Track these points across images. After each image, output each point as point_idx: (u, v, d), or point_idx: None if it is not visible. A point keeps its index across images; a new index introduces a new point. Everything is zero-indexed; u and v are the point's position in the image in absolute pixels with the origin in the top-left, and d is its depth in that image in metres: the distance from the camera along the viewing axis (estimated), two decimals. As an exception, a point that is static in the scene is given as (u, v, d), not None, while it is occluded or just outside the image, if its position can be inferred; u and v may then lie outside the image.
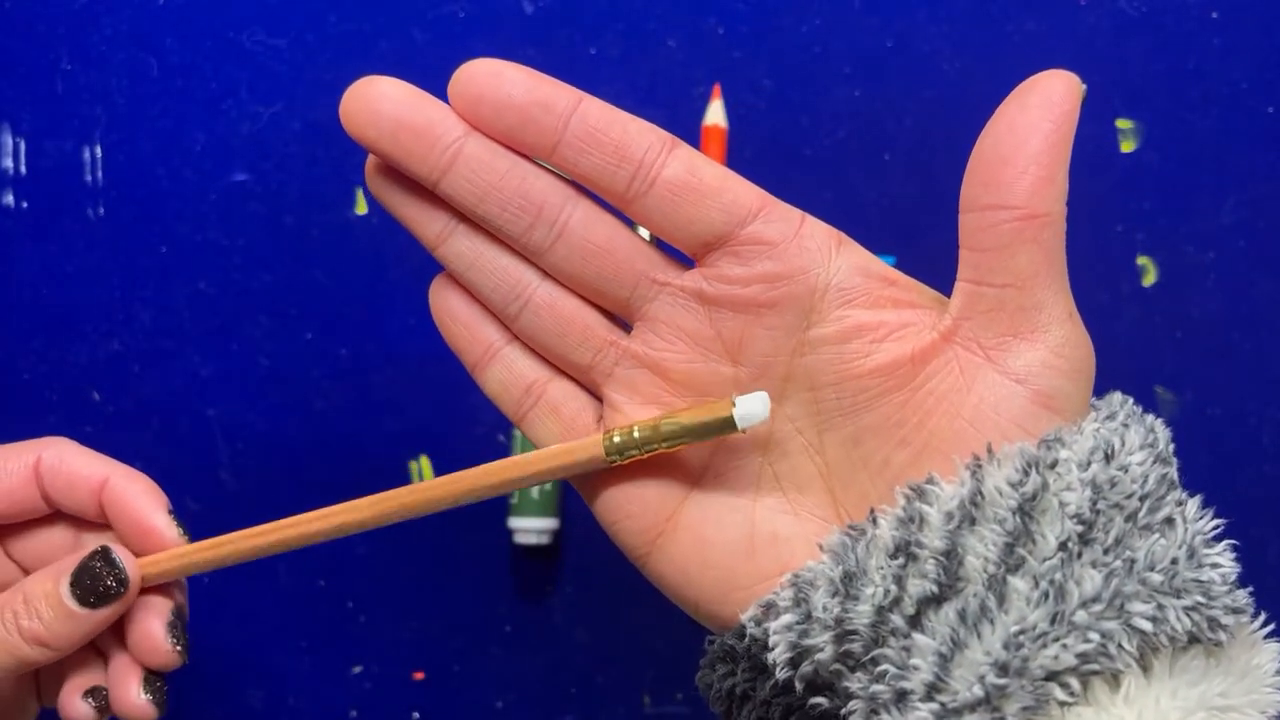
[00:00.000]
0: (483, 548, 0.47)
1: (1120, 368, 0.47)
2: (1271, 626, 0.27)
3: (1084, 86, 0.28)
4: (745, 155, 0.47)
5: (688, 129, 0.47)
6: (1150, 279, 0.47)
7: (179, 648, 0.32)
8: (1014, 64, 0.47)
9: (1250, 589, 0.27)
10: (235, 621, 0.47)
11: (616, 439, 0.29)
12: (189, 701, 0.47)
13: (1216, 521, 0.27)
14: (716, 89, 0.46)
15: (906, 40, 0.47)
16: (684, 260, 0.30)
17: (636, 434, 0.29)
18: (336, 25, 0.47)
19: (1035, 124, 0.27)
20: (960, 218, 0.28)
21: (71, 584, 0.31)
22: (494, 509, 0.47)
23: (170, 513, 0.33)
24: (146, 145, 0.47)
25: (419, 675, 0.47)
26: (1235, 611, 0.26)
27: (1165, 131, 0.47)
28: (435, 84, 0.47)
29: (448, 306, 0.31)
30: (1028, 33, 0.47)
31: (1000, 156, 0.27)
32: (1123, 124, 0.47)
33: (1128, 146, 0.47)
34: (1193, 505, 0.27)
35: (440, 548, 0.47)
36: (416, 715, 0.47)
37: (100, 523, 0.34)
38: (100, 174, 0.47)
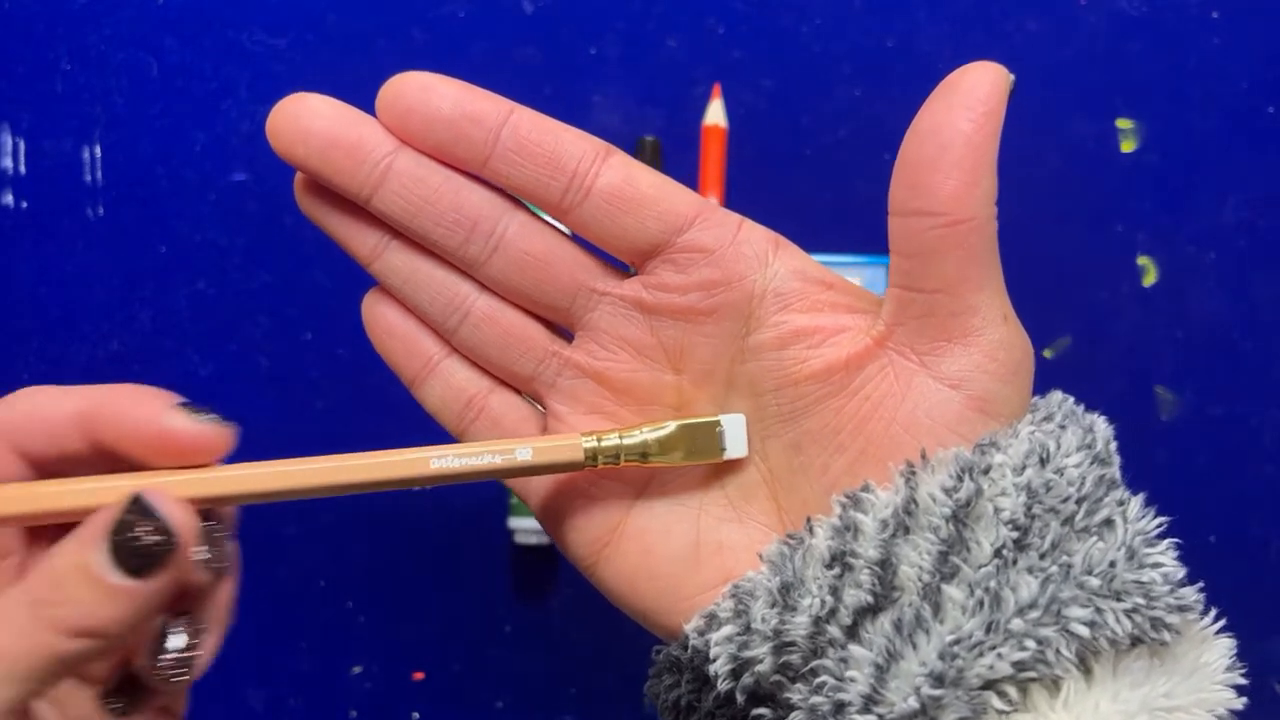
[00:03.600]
0: (483, 548, 0.47)
1: (1120, 368, 0.47)
2: (1223, 622, 0.27)
3: (1012, 77, 0.27)
4: (745, 155, 0.47)
5: (688, 129, 0.47)
6: (1150, 279, 0.47)
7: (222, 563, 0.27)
8: (1014, 64, 0.47)
9: (1199, 585, 0.26)
10: (235, 621, 0.47)
11: (601, 443, 0.29)
12: (189, 702, 0.47)
13: (1159, 520, 0.27)
14: (716, 89, 0.46)
15: (906, 40, 0.47)
16: (627, 269, 0.30)
17: (622, 440, 0.29)
18: (336, 25, 0.47)
19: (957, 125, 0.26)
20: (889, 221, 0.27)
21: (110, 552, 0.25)
22: (494, 509, 0.47)
23: (185, 405, 0.26)
24: (146, 145, 0.47)
25: (419, 675, 0.47)
26: (1181, 610, 0.26)
27: (1165, 131, 0.47)
28: (435, 84, 0.47)
29: (383, 322, 0.31)
30: (1028, 33, 0.47)
31: (923, 159, 0.26)
32: (1123, 124, 0.47)
33: (1128, 146, 0.47)
34: (1135, 504, 0.27)
35: (440, 548, 0.47)
36: (416, 715, 0.47)
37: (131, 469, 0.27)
38: (100, 174, 0.47)
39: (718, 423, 0.29)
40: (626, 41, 0.47)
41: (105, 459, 0.27)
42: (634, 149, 0.46)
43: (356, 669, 0.47)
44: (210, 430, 0.26)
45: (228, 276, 0.47)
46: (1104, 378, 0.47)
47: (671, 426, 0.29)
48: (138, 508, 0.25)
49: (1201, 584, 0.26)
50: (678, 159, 0.46)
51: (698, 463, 0.29)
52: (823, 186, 0.47)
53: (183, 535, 0.25)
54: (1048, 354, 0.47)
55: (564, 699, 0.47)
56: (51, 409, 0.26)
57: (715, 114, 0.46)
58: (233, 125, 0.47)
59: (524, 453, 0.28)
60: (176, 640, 0.27)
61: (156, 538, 0.25)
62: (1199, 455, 0.47)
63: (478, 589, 0.47)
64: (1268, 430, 0.47)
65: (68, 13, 0.46)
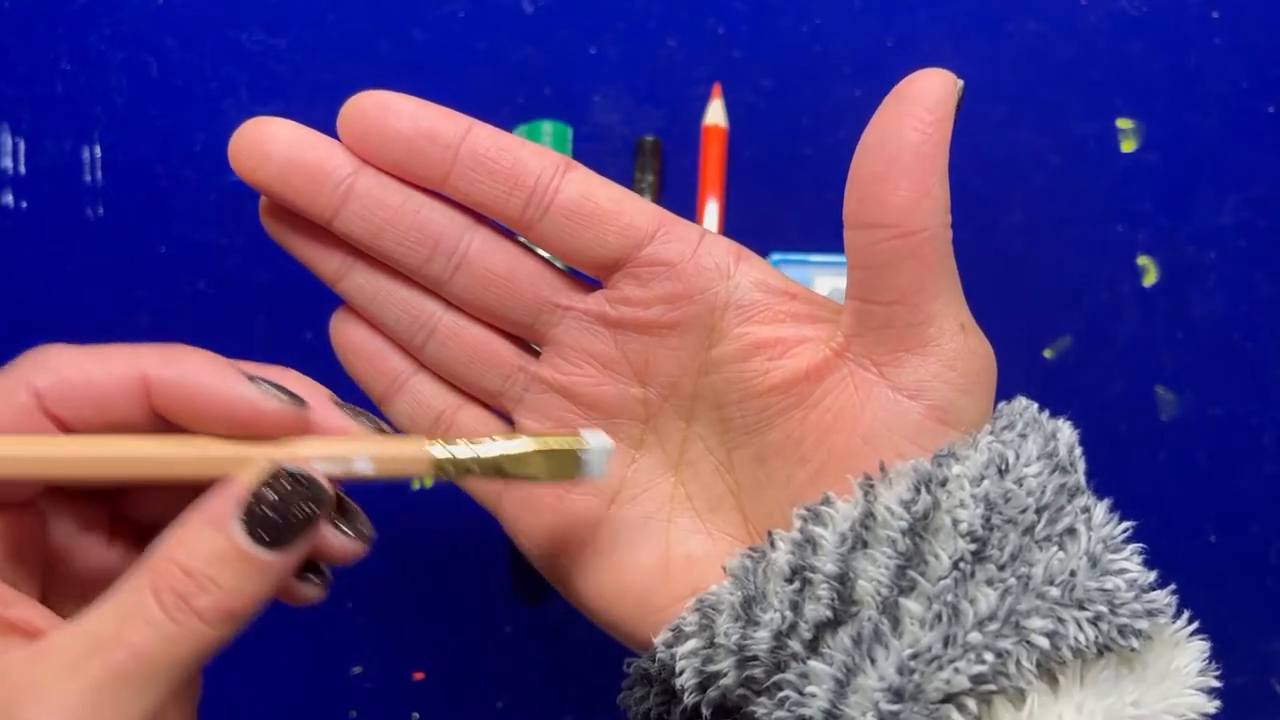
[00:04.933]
0: (483, 548, 0.47)
1: (1120, 368, 0.47)
2: (1195, 625, 0.26)
3: (960, 83, 0.26)
4: (745, 155, 0.47)
5: (688, 129, 0.47)
6: (1150, 279, 0.47)
7: (365, 531, 0.27)
8: (1014, 64, 0.47)
9: (1170, 587, 0.26)
10: (235, 621, 0.47)
11: (455, 455, 0.27)
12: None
13: (1125, 525, 0.26)
14: (716, 89, 0.46)
15: (906, 40, 0.47)
16: (594, 282, 0.30)
17: (478, 454, 0.27)
18: (336, 25, 0.47)
19: (905, 136, 0.25)
20: (845, 234, 0.27)
21: (247, 527, 0.24)
22: (494, 509, 0.47)
23: (253, 377, 0.25)
24: (146, 145, 0.47)
25: (419, 675, 0.47)
26: (1150, 615, 0.25)
27: (1165, 131, 0.47)
28: (436, 83, 0.47)
29: (349, 341, 0.31)
30: (1028, 33, 0.47)
31: (873, 171, 0.26)
32: (1123, 124, 0.47)
33: (1128, 146, 0.47)
34: (1099, 510, 0.26)
35: (440, 548, 0.47)
36: (416, 715, 0.47)
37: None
38: (100, 174, 0.47)
39: (578, 447, 0.27)
40: (626, 41, 0.47)
41: (153, 428, 0.25)
42: (634, 149, 0.46)
43: (356, 669, 0.47)
44: (284, 406, 0.25)
45: (228, 276, 0.47)
46: (1104, 378, 0.47)
47: (528, 445, 0.27)
48: (278, 477, 0.24)
49: (1173, 586, 0.26)
50: (678, 159, 0.46)
51: (553, 481, 0.28)
52: (823, 186, 0.47)
53: (325, 501, 0.25)
54: (1048, 354, 0.47)
55: (564, 699, 0.47)
56: (99, 374, 0.24)
57: (715, 114, 0.46)
58: (233, 125, 0.46)
59: (363, 464, 0.26)
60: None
61: (301, 508, 0.24)
62: (1199, 455, 0.47)
63: (477, 589, 0.47)
64: (1268, 430, 0.47)
65: (68, 13, 0.46)
